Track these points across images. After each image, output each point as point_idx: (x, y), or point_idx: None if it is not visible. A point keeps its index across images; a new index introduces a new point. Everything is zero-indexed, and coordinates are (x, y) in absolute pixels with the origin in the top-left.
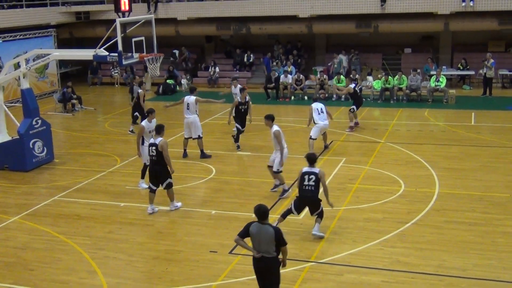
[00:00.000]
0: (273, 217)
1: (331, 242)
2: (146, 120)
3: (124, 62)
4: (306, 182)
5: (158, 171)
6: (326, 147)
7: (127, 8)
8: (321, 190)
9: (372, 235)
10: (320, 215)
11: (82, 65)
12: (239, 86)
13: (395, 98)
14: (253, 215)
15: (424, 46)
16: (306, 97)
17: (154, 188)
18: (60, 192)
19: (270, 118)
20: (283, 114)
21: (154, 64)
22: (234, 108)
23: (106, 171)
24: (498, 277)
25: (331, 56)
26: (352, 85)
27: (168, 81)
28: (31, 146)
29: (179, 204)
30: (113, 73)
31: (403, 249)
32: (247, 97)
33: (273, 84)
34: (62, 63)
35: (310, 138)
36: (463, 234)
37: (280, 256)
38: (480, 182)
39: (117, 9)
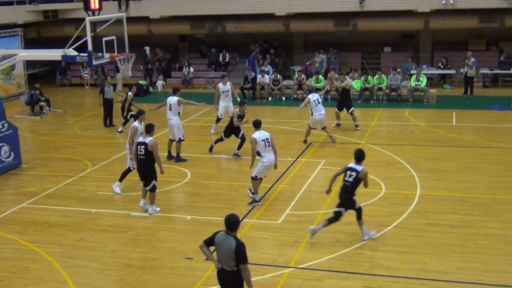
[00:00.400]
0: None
1: (311, 246)
2: (137, 121)
3: (94, 63)
4: (345, 178)
5: (145, 170)
6: (331, 138)
7: (97, 6)
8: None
9: (353, 239)
10: (359, 215)
11: (50, 66)
12: (229, 83)
13: (375, 98)
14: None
15: (404, 45)
16: (283, 98)
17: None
18: (28, 199)
19: (253, 125)
20: (260, 115)
21: (125, 65)
22: (234, 117)
23: (76, 176)
24: (481, 280)
25: (309, 55)
26: (350, 81)
27: (141, 82)
28: None
29: (158, 208)
30: (83, 74)
31: (385, 253)
32: (245, 111)
33: (250, 84)
34: (29, 64)
35: (309, 126)
36: (445, 236)
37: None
38: (462, 183)
39: (87, 7)
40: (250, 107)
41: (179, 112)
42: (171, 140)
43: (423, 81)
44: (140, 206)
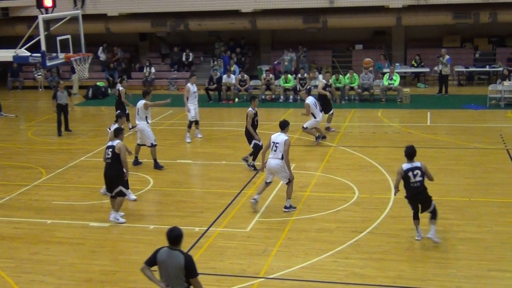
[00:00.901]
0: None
1: (281, 255)
2: (117, 124)
3: (48, 64)
4: (412, 180)
5: (112, 176)
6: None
7: (50, 3)
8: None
9: (326, 247)
10: (434, 215)
11: (1, 67)
12: (194, 84)
13: (346, 98)
14: (196, 229)
15: (376, 42)
16: None
17: (109, 194)
18: None
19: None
20: (226, 117)
21: (82, 65)
22: (249, 121)
23: (30, 185)
24: (459, 286)
25: (277, 54)
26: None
27: (98, 83)
28: None
29: (122, 220)
30: (36, 75)
31: (359, 260)
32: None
33: (215, 85)
34: None
35: (304, 128)
36: (421, 242)
37: None
38: (438, 186)
39: (40, 4)
40: (216, 108)
41: (146, 117)
42: (139, 145)
43: (396, 80)
44: (111, 220)
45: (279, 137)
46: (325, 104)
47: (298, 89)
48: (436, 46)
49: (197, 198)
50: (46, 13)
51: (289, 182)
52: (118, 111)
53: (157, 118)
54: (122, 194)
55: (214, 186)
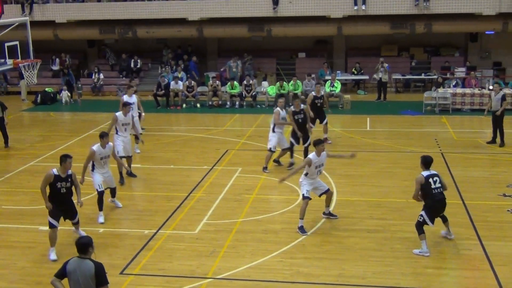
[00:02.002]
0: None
1: (229, 256)
2: (98, 144)
3: None
4: (433, 186)
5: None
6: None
7: None
8: None
9: (271, 247)
10: (446, 218)
11: None
12: (134, 95)
13: (290, 104)
14: (146, 231)
15: (318, 51)
16: (198, 105)
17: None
18: None
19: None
20: (174, 123)
21: (30, 71)
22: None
23: None
24: (397, 283)
25: (223, 61)
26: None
27: (47, 89)
28: None
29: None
30: None
31: (303, 260)
32: (302, 105)
33: (163, 91)
34: None
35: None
36: (362, 241)
37: None
38: (378, 188)
39: None
40: (164, 114)
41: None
42: (124, 157)
43: (338, 87)
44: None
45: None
46: (319, 114)
47: (243, 95)
48: (375, 55)
49: (146, 202)
50: None
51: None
52: (102, 132)
53: (106, 123)
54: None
55: (163, 190)
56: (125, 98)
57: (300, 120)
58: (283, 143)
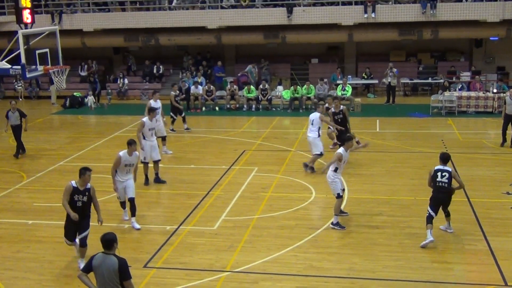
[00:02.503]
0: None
1: (246, 251)
2: (125, 151)
3: (28, 75)
4: (439, 179)
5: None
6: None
7: (29, 19)
8: None
9: (286, 242)
10: (449, 214)
11: None
12: (158, 100)
13: (304, 107)
14: (168, 227)
15: (330, 56)
16: (217, 108)
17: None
18: None
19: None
20: (194, 125)
21: (60, 77)
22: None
23: (12, 188)
24: (406, 277)
25: (240, 66)
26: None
27: (75, 93)
28: None
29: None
30: (16, 86)
31: (316, 254)
32: (342, 106)
33: (184, 95)
34: None
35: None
36: (372, 237)
37: None
38: (387, 186)
39: (19, 20)
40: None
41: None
42: (147, 163)
43: (349, 90)
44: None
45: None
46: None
47: (259, 99)
48: (384, 60)
49: (168, 199)
50: (26, 28)
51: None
52: (129, 139)
53: (131, 125)
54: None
55: (184, 188)
56: (152, 103)
57: (339, 120)
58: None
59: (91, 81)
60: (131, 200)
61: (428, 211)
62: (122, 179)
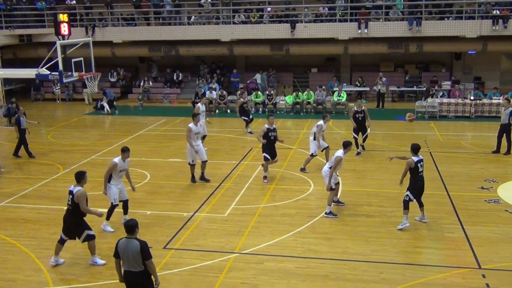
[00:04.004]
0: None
1: (252, 235)
2: (120, 157)
3: (65, 80)
4: (420, 169)
5: (72, 222)
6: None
7: (66, 32)
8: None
9: (287, 228)
10: (422, 203)
11: (25, 83)
12: (203, 105)
13: (304, 110)
14: (184, 214)
15: (328, 67)
16: (228, 111)
17: (65, 239)
18: (7, 199)
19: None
20: (208, 125)
21: (92, 82)
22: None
23: (49, 178)
24: (392, 259)
25: (249, 74)
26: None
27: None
28: None
29: (100, 261)
30: (54, 90)
31: (314, 239)
32: (363, 107)
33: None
34: (6, 81)
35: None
36: (363, 224)
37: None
38: (376, 180)
39: (57, 32)
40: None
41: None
42: (193, 165)
43: (344, 96)
44: (50, 264)
45: (336, 152)
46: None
47: (266, 103)
48: (375, 70)
49: (184, 189)
50: (63, 39)
51: (330, 190)
52: (123, 146)
53: (153, 125)
54: (91, 238)
55: (199, 180)
56: (200, 107)
57: (360, 119)
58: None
59: (103, 93)
60: (126, 201)
61: (408, 196)
62: (117, 183)
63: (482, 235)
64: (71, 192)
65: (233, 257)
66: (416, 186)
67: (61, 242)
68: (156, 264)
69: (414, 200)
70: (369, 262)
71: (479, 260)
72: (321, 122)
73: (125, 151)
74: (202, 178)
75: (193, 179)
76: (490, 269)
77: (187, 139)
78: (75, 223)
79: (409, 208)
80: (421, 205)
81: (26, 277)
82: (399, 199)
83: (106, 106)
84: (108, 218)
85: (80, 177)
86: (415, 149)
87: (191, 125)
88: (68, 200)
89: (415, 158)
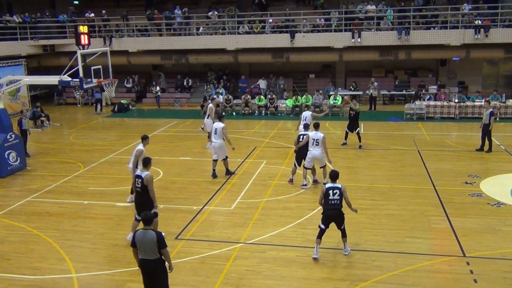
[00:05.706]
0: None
1: (256, 226)
2: (142, 144)
3: (85, 86)
4: (331, 197)
5: (142, 202)
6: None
7: (86, 42)
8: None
9: (288, 220)
10: (344, 233)
11: (49, 89)
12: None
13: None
14: (194, 207)
15: (325, 73)
16: (234, 113)
17: (139, 218)
18: (32, 194)
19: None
20: None
21: (110, 88)
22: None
23: (71, 175)
24: (383, 248)
25: (253, 80)
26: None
27: (122, 101)
28: (6, 156)
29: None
30: (75, 95)
31: (312, 230)
32: (357, 105)
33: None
34: (31, 87)
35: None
36: (356, 216)
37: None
38: (368, 176)
39: (78, 43)
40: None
41: (223, 137)
42: (215, 160)
43: (339, 100)
44: (127, 239)
45: (316, 135)
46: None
47: (268, 106)
48: (367, 76)
49: (194, 185)
50: (83, 48)
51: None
52: (143, 135)
53: (166, 127)
54: (155, 215)
55: (207, 176)
56: (212, 106)
57: (351, 115)
58: None
59: (91, 93)
60: None
61: (319, 226)
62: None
63: (466, 226)
64: (139, 176)
65: (238, 246)
66: (324, 214)
67: (137, 220)
68: (169, 253)
69: (322, 226)
70: (362, 251)
71: (463, 248)
72: (307, 112)
73: (145, 138)
74: (227, 172)
75: (213, 174)
76: (474, 257)
77: (226, 138)
78: (144, 203)
79: (321, 238)
80: (343, 235)
81: (50, 265)
82: (389, 194)
83: (98, 108)
84: (132, 193)
85: (147, 162)
86: (332, 176)
87: (223, 125)
88: (138, 184)
89: (328, 185)
